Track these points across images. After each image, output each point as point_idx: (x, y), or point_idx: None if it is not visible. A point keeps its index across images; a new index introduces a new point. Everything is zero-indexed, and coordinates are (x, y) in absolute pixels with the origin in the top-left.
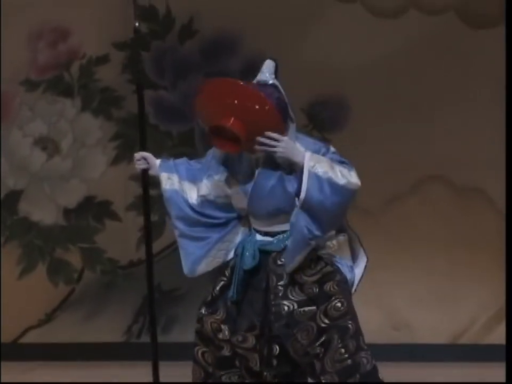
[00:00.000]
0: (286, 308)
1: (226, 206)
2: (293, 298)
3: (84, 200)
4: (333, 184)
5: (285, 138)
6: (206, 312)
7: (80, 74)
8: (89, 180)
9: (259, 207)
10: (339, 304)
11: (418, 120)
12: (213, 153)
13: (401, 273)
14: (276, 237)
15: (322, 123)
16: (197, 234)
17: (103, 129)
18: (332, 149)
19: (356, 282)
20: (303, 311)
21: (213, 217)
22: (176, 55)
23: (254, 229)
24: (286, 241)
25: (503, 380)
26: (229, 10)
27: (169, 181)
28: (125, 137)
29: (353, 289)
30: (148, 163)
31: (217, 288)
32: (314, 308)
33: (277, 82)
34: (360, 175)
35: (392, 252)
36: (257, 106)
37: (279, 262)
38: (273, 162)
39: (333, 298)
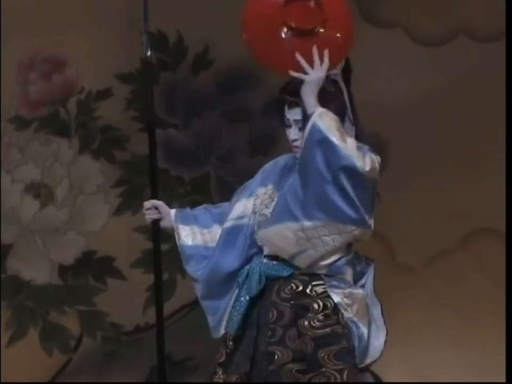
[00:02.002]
0: (279, 355)
1: (250, 235)
2: (289, 345)
3: (82, 255)
4: (331, 146)
5: (324, 74)
6: (223, 375)
7: (78, 111)
8: (88, 233)
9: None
10: (325, 379)
11: (468, 164)
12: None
13: (447, 338)
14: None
15: None
16: (217, 291)
17: (104, 174)
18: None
19: (374, 357)
20: (292, 372)
21: (231, 251)
22: (188, 88)
23: (264, 256)
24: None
25: None
26: None
27: (190, 236)
28: (130, 183)
29: (365, 362)
30: (160, 213)
31: (231, 342)
32: (304, 369)
33: (339, 81)
34: (400, 226)
35: (436, 313)
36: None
37: (283, 295)
38: None
39: (323, 369)
